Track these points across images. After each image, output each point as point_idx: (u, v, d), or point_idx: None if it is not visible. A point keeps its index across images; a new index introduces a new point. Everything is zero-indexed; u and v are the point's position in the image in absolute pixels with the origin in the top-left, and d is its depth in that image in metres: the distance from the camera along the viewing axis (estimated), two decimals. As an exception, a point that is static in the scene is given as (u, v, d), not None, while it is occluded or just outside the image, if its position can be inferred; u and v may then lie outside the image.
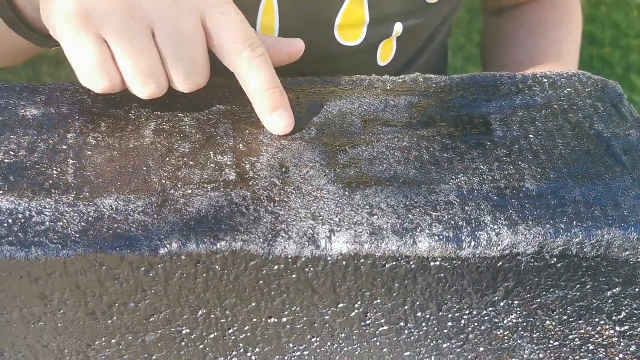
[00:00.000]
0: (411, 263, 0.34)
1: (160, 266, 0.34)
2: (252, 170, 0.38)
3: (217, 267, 0.34)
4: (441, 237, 0.34)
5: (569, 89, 0.45)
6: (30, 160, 0.38)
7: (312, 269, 0.34)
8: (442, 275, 0.35)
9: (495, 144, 0.40)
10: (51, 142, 0.39)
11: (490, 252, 0.34)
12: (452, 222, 0.34)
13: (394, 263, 0.34)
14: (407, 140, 0.40)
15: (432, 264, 0.34)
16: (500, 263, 0.35)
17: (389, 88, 0.45)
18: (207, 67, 0.40)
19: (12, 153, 0.38)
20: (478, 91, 0.44)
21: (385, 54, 0.61)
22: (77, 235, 0.33)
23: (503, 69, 0.67)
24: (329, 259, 0.34)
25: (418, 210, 0.35)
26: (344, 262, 0.34)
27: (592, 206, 0.35)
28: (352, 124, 0.42)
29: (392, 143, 0.40)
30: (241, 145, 0.39)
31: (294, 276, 0.35)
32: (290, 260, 0.34)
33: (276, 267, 0.34)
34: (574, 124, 0.42)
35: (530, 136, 0.41)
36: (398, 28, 0.59)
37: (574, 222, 0.34)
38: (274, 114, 0.40)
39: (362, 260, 0.34)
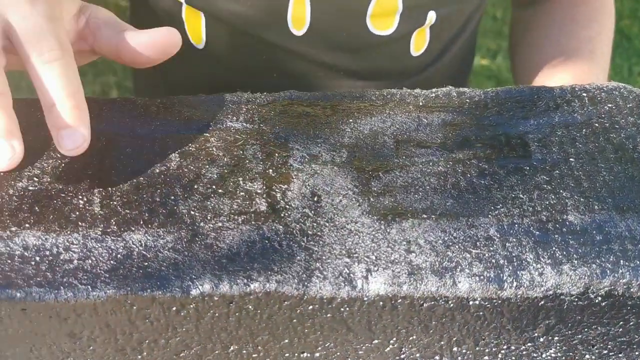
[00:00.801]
0: (450, 302, 0.33)
1: (192, 306, 0.33)
2: (284, 200, 0.36)
3: (250, 306, 0.33)
4: (482, 277, 0.33)
5: (610, 105, 0.43)
6: (55, 188, 0.37)
7: (347, 309, 0.33)
8: (481, 313, 0.34)
9: (535, 169, 0.38)
10: (75, 166, 0.38)
11: (532, 292, 0.33)
12: (493, 261, 0.33)
13: (432, 302, 0.33)
14: (442, 164, 0.39)
15: (471, 302, 0.33)
16: (542, 302, 0.33)
17: (421, 104, 0.43)
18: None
19: (36, 179, 0.37)
20: (514, 107, 0.43)
21: (419, 43, 0.59)
22: (107, 275, 0.33)
23: (533, 66, 0.65)
24: (365, 299, 0.33)
25: (457, 246, 0.34)
26: (381, 302, 0.33)
27: (639, 242, 0.34)
28: (384, 144, 0.40)
29: (427, 167, 0.38)
30: (270, 171, 0.38)
31: (328, 315, 0.34)
32: (325, 300, 0.33)
33: (310, 307, 0.33)
34: (616, 145, 0.40)
35: (571, 159, 0.39)
36: (431, 16, 0.57)
37: (621, 262, 0.33)
38: (60, 132, 0.36)
39: (400, 300, 0.33)
